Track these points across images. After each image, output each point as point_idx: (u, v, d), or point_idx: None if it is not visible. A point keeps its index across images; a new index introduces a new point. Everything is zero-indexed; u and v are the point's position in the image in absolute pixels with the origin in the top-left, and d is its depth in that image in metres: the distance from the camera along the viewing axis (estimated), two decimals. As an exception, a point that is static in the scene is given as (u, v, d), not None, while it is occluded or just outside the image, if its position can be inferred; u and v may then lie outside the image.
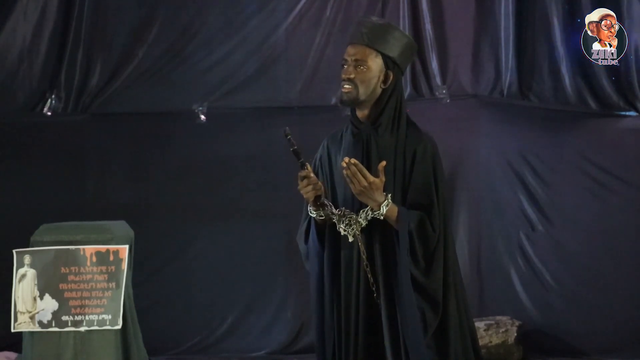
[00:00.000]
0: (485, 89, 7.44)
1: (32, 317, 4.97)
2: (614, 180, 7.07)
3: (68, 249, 4.98)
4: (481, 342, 6.79)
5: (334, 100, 7.34)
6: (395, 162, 3.82)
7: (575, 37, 7.22)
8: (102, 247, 4.97)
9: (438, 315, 3.76)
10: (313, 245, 3.90)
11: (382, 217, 3.73)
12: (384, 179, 3.72)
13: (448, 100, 7.40)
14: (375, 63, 3.84)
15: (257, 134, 7.36)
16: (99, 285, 4.96)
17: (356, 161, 3.70)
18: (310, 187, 3.75)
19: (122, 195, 7.29)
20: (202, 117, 7.40)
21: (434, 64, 7.42)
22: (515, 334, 6.89)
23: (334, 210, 3.80)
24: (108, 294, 4.95)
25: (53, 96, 7.43)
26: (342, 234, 3.80)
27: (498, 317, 7.02)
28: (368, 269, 3.79)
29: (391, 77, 3.85)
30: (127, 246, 5.02)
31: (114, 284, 4.96)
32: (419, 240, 3.73)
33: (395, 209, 3.74)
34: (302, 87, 7.45)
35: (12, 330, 5.05)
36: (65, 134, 7.40)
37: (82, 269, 4.96)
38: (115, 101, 7.47)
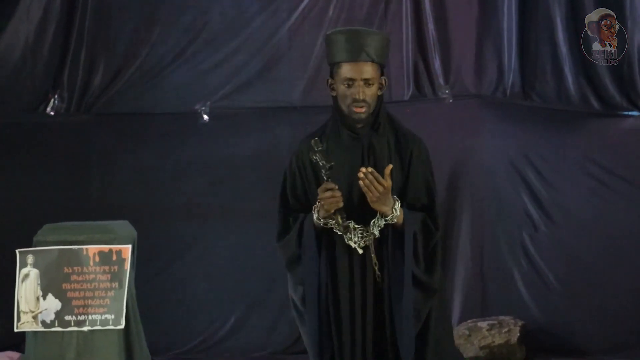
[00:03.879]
0: (488, 89, 7.43)
1: (35, 317, 4.97)
2: (617, 180, 7.07)
3: (71, 248, 4.99)
4: (484, 342, 6.80)
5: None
6: (391, 162, 3.85)
7: (578, 37, 7.22)
8: (105, 247, 4.97)
9: (430, 305, 3.85)
10: (310, 250, 3.90)
11: (395, 221, 3.76)
12: (390, 182, 3.75)
13: (451, 100, 7.39)
14: (377, 76, 3.89)
15: (260, 134, 7.37)
16: (101, 285, 4.96)
17: (372, 169, 3.72)
18: (334, 200, 3.77)
19: (125, 195, 7.29)
20: (205, 117, 7.40)
21: (437, 64, 7.42)
22: (518, 334, 6.89)
23: (347, 224, 3.81)
24: (111, 293, 4.96)
25: (56, 96, 7.43)
26: (352, 246, 3.82)
27: (501, 317, 7.02)
28: (379, 279, 3.82)
29: (384, 82, 3.91)
30: (130, 246, 5.03)
31: (116, 283, 4.96)
32: (424, 240, 3.77)
33: (401, 210, 3.78)
34: (305, 87, 7.45)
35: (15, 330, 5.05)
36: (68, 134, 7.40)
37: (85, 269, 4.97)
38: (118, 101, 7.48)
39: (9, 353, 6.63)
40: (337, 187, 3.78)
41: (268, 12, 7.46)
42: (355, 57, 3.86)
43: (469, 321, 6.96)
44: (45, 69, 7.45)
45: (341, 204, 3.79)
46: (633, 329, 6.95)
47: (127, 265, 4.99)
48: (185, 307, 7.33)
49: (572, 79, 7.24)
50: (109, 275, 4.97)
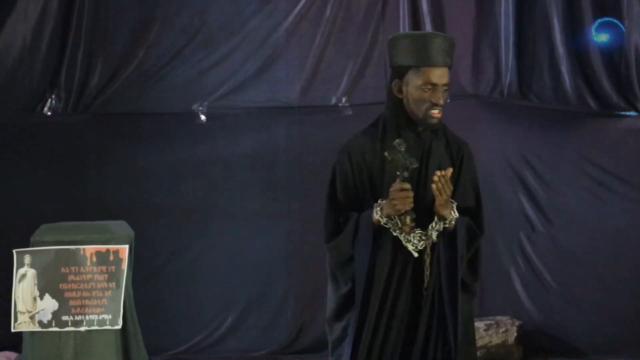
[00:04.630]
0: (485, 89, 7.44)
1: (32, 317, 4.97)
2: (614, 180, 7.07)
3: (68, 249, 4.99)
4: (481, 342, 6.80)
5: (334, 100, 7.35)
6: (445, 164, 3.88)
7: (576, 37, 7.22)
8: (102, 247, 4.98)
9: (468, 307, 3.93)
10: (366, 247, 3.86)
11: (452, 224, 3.78)
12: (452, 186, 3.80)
13: (448, 100, 7.37)
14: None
15: (257, 134, 7.37)
16: (99, 285, 4.97)
17: (445, 173, 3.74)
18: (409, 200, 3.77)
19: (123, 195, 7.29)
20: (202, 117, 7.39)
21: (434, 64, 7.41)
22: (516, 334, 6.89)
23: (413, 225, 3.80)
24: (108, 293, 4.96)
25: (53, 96, 7.43)
26: (409, 248, 3.81)
27: (498, 317, 7.02)
28: (427, 281, 3.82)
29: None
30: (127, 246, 5.03)
31: (114, 283, 4.96)
32: (468, 243, 3.82)
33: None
34: (302, 87, 7.45)
35: (13, 330, 5.06)
36: (65, 134, 7.40)
37: (82, 269, 4.97)
38: (116, 101, 7.47)
39: (6, 353, 6.63)
40: (410, 187, 3.78)
41: (265, 12, 7.46)
42: (438, 62, 3.86)
43: (466, 321, 6.96)
44: (42, 68, 7.44)
45: (412, 205, 3.79)
46: (630, 329, 6.95)
47: (125, 266, 5.00)
48: (183, 307, 7.33)
49: (570, 79, 7.24)
50: (106, 276, 4.97)
